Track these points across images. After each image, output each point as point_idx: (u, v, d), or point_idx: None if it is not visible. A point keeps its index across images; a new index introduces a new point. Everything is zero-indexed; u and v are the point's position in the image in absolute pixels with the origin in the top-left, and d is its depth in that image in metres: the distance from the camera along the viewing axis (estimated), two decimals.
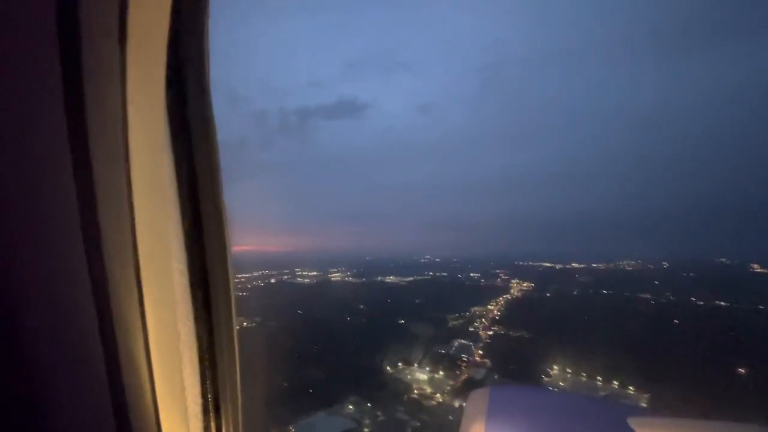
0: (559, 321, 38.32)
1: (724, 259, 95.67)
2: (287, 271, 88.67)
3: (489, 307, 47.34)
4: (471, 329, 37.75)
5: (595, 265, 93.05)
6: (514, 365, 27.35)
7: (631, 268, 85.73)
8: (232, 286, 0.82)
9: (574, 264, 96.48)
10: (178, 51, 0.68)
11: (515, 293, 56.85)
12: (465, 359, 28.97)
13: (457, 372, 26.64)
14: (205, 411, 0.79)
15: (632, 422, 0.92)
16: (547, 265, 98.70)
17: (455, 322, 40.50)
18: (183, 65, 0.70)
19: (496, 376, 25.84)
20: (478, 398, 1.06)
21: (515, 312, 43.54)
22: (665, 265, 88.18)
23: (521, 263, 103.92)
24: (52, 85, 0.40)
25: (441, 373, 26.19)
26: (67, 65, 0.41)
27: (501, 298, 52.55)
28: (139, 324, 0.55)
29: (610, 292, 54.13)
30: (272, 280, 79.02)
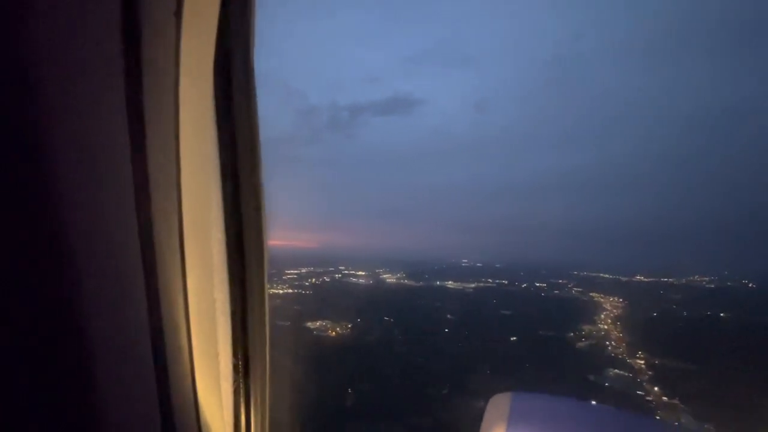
0: (718, 351, 32.62)
1: None
2: (332, 268, 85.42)
3: (600, 326, 42.02)
4: (610, 354, 32.63)
5: (664, 279, 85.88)
6: (725, 413, 22.13)
7: (713, 286, 78.09)
8: (266, 258, 0.86)
9: (639, 277, 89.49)
10: (227, 29, 0.70)
11: (613, 310, 51.07)
12: (648, 398, 24.05)
13: (657, 416, 21.72)
14: (236, 374, 0.84)
15: None
16: (608, 276, 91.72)
17: (581, 344, 35.41)
18: (230, 43, 0.72)
19: (706, 426, 20.79)
20: (499, 403, 1.03)
21: (641, 334, 38.04)
22: (750, 284, 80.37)
23: (577, 273, 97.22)
24: (114, 52, 0.41)
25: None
26: (127, 32, 0.42)
27: (603, 315, 47.04)
28: (180, 289, 0.57)
29: (728, 314, 47.69)
30: (326, 278, 75.55)
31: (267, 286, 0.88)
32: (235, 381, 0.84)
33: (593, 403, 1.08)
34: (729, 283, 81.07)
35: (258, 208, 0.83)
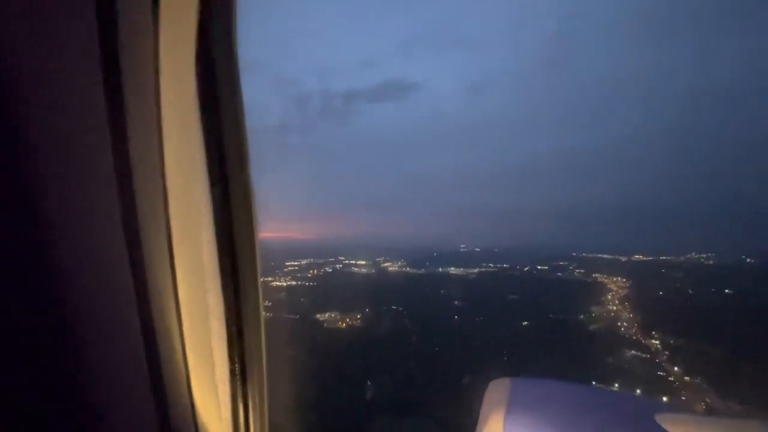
0: (730, 329, 32.58)
1: None
2: (332, 259, 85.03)
3: (610, 307, 42.08)
4: (624, 335, 32.55)
5: (663, 258, 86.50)
6: (749, 392, 22.00)
7: (712, 263, 78.75)
8: (258, 257, 0.84)
9: (638, 256, 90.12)
10: (208, 17, 0.66)
11: (618, 291, 51.20)
12: (669, 379, 23.91)
13: (682, 398, 21.59)
14: (233, 378, 0.82)
15: (660, 418, 0.88)
16: (607, 257, 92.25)
17: (594, 326, 35.31)
18: (213, 32, 0.68)
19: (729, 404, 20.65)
20: (498, 388, 1.04)
21: (651, 314, 38.00)
22: (748, 259, 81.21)
23: (576, 254, 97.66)
24: (91, 46, 0.40)
25: (664, 399, 21.16)
26: (104, 24, 0.40)
27: (610, 296, 47.17)
28: (171, 293, 0.56)
29: (732, 291, 47.95)
30: (327, 269, 75.34)
31: (260, 285, 0.85)
32: (233, 384, 0.82)
33: (595, 387, 1.06)
34: (728, 260, 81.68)
35: (248, 205, 0.80)
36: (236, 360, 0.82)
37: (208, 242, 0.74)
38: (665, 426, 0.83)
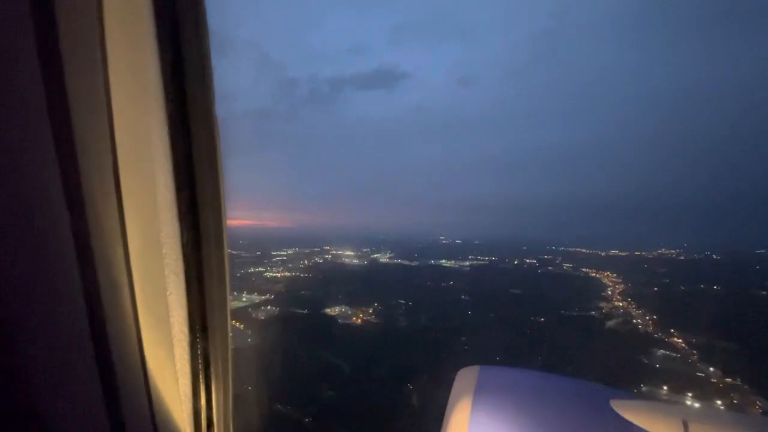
0: (739, 326, 33.52)
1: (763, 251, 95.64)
2: (318, 249, 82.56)
3: (616, 303, 42.62)
4: (643, 333, 32.65)
5: (637, 253, 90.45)
6: None
7: (683, 258, 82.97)
8: (223, 194, 0.76)
9: (614, 251, 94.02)
10: None
11: (615, 286, 52.29)
12: (713, 380, 23.80)
13: (734, 402, 21.39)
14: (192, 331, 0.77)
15: (615, 404, 0.96)
16: (587, 251, 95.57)
17: (609, 323, 35.31)
18: (176, 4, 0.62)
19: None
20: (467, 376, 1.08)
21: (659, 311, 38.68)
22: (714, 255, 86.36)
23: (557, 248, 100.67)
24: (26, 33, 0.36)
25: (718, 403, 20.86)
26: (39, 7, 0.36)
27: (610, 292, 48.02)
28: (119, 238, 0.51)
29: (720, 288, 50.09)
30: (317, 260, 72.71)
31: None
32: (192, 338, 0.74)
33: (559, 375, 1.10)
34: (696, 256, 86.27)
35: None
36: (197, 315, 0.75)
37: (163, 182, 0.66)
38: (619, 411, 0.93)
